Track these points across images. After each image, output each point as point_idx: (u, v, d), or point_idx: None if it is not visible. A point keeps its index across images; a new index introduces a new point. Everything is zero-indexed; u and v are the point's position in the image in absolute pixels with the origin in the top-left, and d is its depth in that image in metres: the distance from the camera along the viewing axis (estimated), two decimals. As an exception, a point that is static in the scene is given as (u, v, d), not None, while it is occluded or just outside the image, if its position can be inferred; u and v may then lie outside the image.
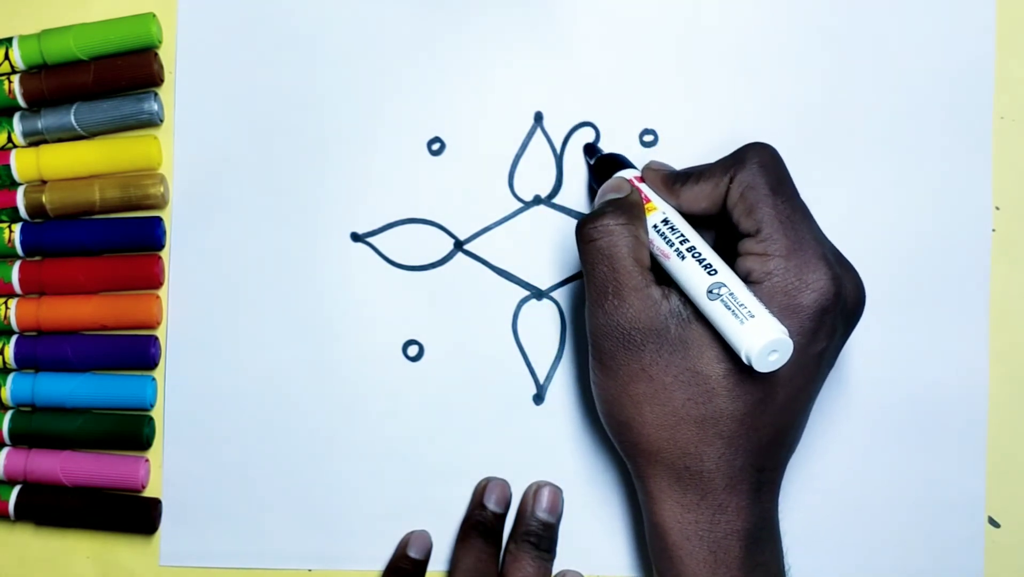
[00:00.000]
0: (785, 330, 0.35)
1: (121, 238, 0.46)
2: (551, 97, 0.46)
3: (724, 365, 0.37)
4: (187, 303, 0.46)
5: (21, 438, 0.46)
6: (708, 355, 0.37)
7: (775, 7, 0.45)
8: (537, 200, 0.46)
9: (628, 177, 0.41)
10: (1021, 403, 0.45)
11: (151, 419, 0.46)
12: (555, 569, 0.45)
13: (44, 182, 0.46)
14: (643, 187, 0.41)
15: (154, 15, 0.46)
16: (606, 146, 0.46)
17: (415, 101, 0.46)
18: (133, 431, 0.46)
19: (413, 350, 0.46)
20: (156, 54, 0.46)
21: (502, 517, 0.45)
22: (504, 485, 0.45)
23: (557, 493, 0.45)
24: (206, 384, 0.46)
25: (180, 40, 0.47)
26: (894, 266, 0.45)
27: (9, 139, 0.46)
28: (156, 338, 0.46)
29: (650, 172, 0.41)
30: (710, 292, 0.36)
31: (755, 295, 0.36)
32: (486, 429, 0.46)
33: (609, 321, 0.38)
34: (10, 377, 0.46)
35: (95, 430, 0.46)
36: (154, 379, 0.47)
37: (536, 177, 0.46)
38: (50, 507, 0.46)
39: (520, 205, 0.46)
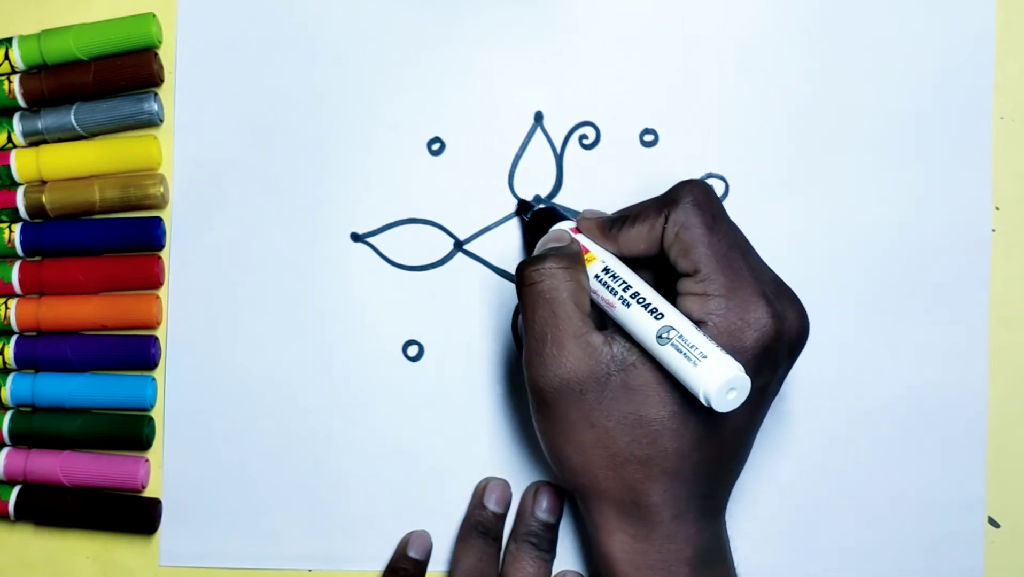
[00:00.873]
0: (740, 366, 0.34)
1: (121, 238, 0.46)
2: (551, 97, 0.46)
3: (669, 408, 0.36)
4: (187, 303, 0.46)
5: (21, 438, 0.46)
6: (652, 400, 0.36)
7: (775, 7, 0.45)
8: (537, 200, 0.46)
9: (566, 228, 0.41)
10: (1021, 403, 0.45)
11: (151, 419, 0.46)
12: (555, 569, 0.45)
13: (44, 182, 0.46)
14: (580, 238, 0.40)
15: (154, 15, 0.46)
16: (606, 146, 0.46)
17: (415, 101, 0.46)
18: (133, 431, 0.46)
19: (413, 350, 0.46)
20: (156, 54, 0.46)
21: (502, 517, 0.45)
22: (504, 485, 0.45)
23: (557, 493, 0.45)
24: (206, 384, 0.46)
25: (180, 40, 0.47)
26: (894, 266, 0.45)
27: (9, 139, 0.46)
28: (156, 338, 0.46)
29: (585, 221, 0.41)
30: (659, 337, 0.35)
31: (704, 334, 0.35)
32: (486, 429, 0.46)
33: (547, 372, 0.37)
34: (10, 377, 0.46)
35: (95, 430, 0.46)
36: (154, 379, 0.47)
37: (536, 177, 0.46)
38: (50, 507, 0.46)
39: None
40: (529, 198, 0.46)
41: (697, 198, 0.37)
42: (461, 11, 0.46)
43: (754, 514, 0.45)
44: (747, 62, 0.45)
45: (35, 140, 0.46)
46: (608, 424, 0.37)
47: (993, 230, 0.45)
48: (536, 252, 0.41)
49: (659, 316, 0.36)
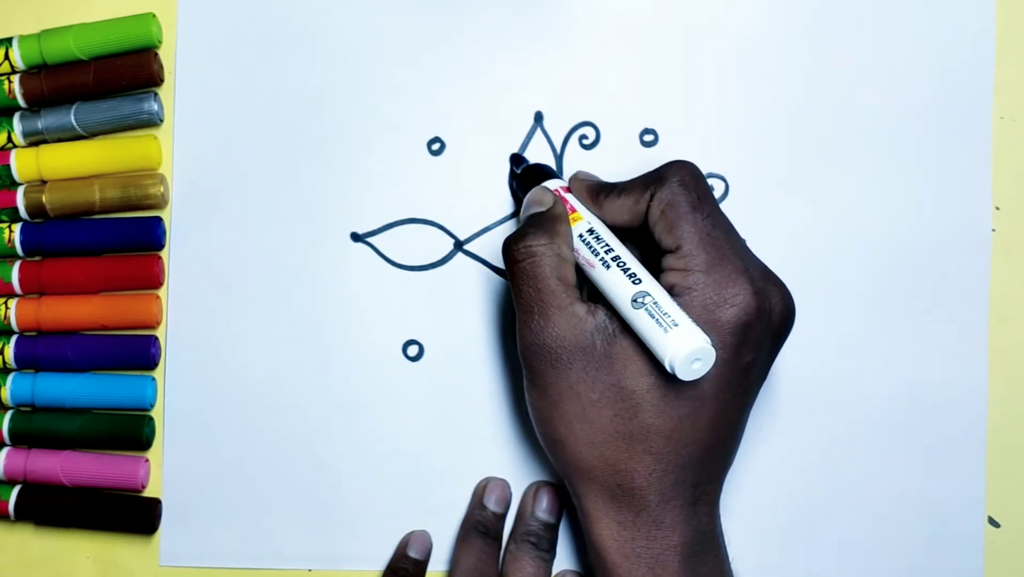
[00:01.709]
0: (708, 339, 0.35)
1: (121, 238, 0.46)
2: (551, 97, 0.46)
3: (649, 379, 0.37)
4: (187, 303, 0.46)
5: (21, 438, 0.46)
6: (632, 369, 0.37)
7: (775, 7, 0.45)
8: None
9: (553, 188, 0.42)
10: (1021, 403, 0.45)
11: (151, 419, 0.46)
12: (555, 569, 0.45)
13: (44, 182, 0.46)
14: (569, 197, 0.41)
15: (154, 15, 0.46)
16: (606, 146, 0.46)
17: (415, 101, 0.46)
18: (133, 431, 0.46)
19: (413, 350, 0.46)
20: (156, 54, 0.46)
21: (502, 517, 0.45)
22: (504, 485, 0.45)
23: (557, 493, 0.45)
24: (206, 384, 0.46)
25: (180, 40, 0.47)
26: (894, 266, 0.45)
27: (9, 139, 0.46)
28: (156, 338, 0.46)
29: (577, 182, 0.42)
30: (634, 301, 0.36)
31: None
32: (486, 429, 0.46)
33: (536, 340, 0.38)
34: (10, 377, 0.46)
35: (95, 430, 0.46)
36: (154, 379, 0.47)
37: (536, 177, 0.46)
38: (50, 507, 0.46)
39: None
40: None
41: (684, 178, 0.38)
42: (461, 11, 0.46)
43: (753, 513, 0.45)
44: (747, 62, 0.45)
45: (35, 140, 0.46)
46: (593, 396, 0.37)
47: (993, 230, 0.45)
48: (520, 216, 0.42)
49: (637, 281, 0.37)
